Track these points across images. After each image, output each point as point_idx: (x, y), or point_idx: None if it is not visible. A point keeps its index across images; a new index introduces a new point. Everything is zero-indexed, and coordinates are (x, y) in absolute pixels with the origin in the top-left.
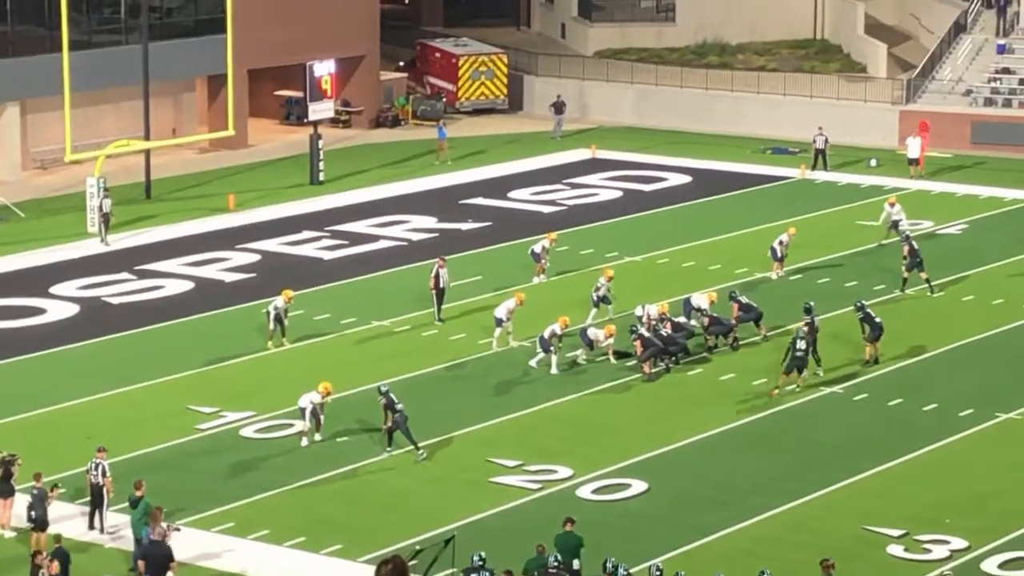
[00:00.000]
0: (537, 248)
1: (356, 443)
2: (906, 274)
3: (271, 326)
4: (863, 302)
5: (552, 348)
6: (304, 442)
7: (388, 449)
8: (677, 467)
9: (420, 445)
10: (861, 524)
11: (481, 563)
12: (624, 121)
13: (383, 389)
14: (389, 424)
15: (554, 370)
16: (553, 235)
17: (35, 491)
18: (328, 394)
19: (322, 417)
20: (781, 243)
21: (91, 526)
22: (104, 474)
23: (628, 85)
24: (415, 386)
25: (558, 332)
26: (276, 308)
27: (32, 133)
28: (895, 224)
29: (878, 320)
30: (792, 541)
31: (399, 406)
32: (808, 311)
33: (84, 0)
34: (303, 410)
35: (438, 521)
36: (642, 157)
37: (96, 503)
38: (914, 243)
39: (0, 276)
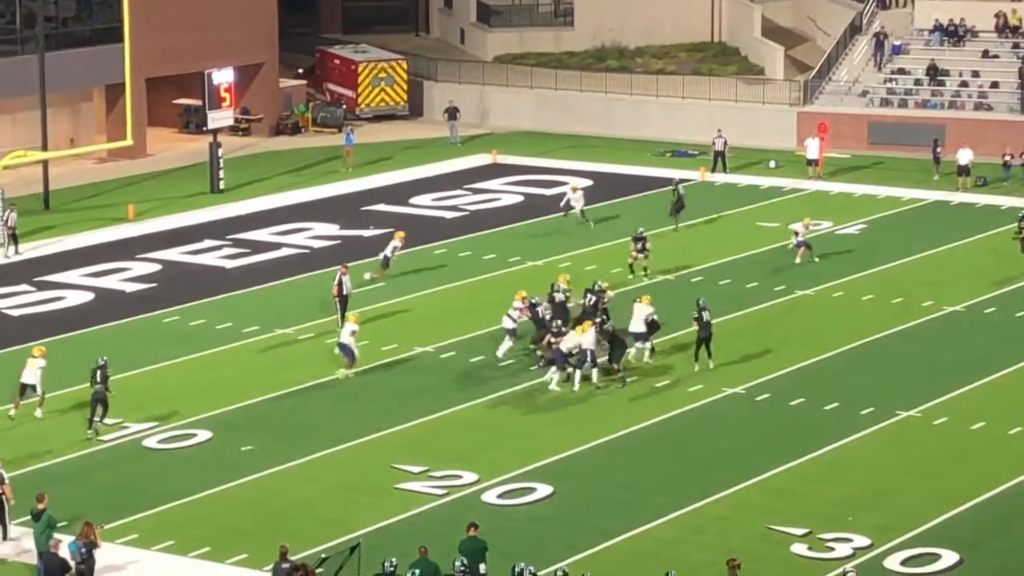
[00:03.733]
0: (388, 251)
1: (260, 452)
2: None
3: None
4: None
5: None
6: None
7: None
8: (582, 470)
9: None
10: (765, 523)
11: (392, 569)
12: (525, 126)
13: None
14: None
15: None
16: (401, 233)
17: None
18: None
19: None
20: (797, 234)
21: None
22: (2, 481)
23: (528, 90)
24: (321, 393)
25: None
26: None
27: None
28: (568, 205)
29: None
30: (697, 542)
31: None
32: (700, 307)
33: None
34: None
35: (344, 528)
36: (543, 161)
37: None
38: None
39: None
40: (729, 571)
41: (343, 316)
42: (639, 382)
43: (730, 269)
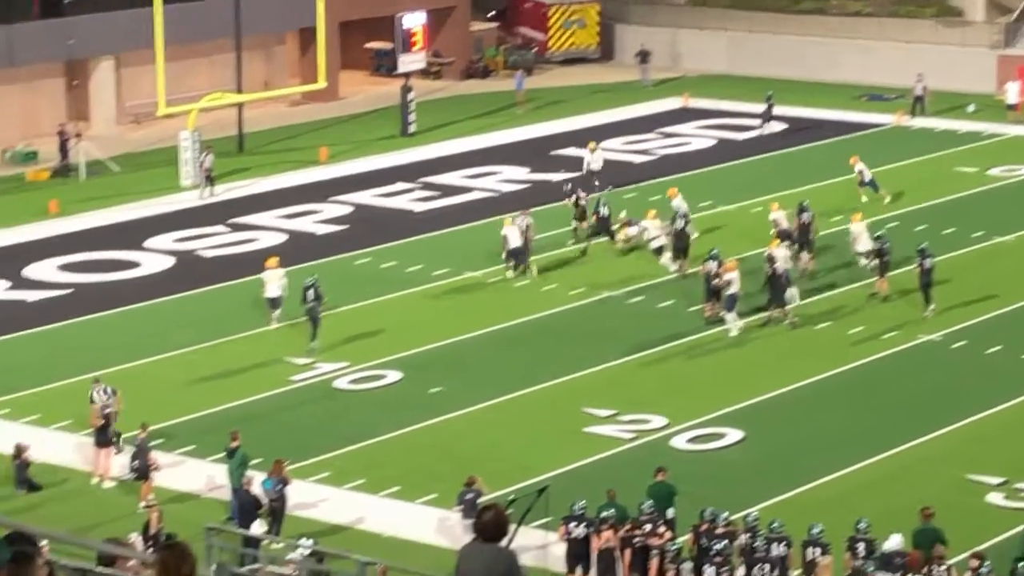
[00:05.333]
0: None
1: (450, 393)
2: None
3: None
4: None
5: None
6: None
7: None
8: (773, 416)
9: None
10: (960, 472)
11: (581, 512)
12: (717, 69)
13: None
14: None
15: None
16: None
17: (138, 441)
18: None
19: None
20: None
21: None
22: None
23: (721, 32)
24: (508, 337)
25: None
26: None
27: (126, 87)
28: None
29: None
30: (889, 490)
31: None
32: (921, 253)
33: None
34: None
35: (532, 471)
36: (735, 105)
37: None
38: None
39: (95, 230)
40: (922, 519)
41: (524, 263)
42: (832, 328)
43: (927, 215)
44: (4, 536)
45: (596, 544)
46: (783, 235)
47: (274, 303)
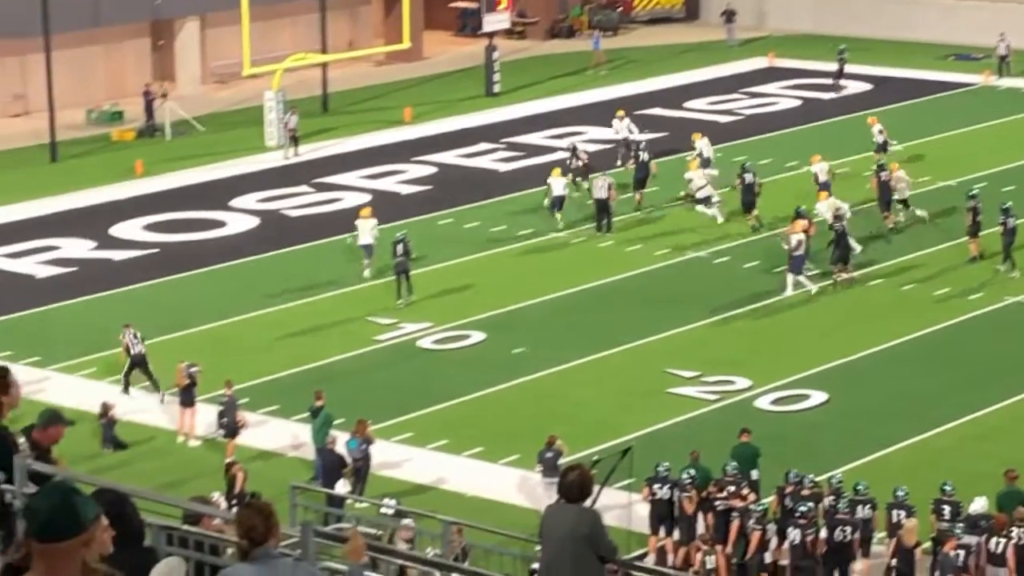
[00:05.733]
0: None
1: (533, 354)
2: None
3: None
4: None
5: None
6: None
7: None
8: (857, 377)
9: None
10: None
11: (665, 473)
12: (803, 28)
13: None
14: None
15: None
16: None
17: (225, 399)
18: None
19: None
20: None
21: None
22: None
23: None
24: (592, 297)
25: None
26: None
27: (211, 48)
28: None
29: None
30: (975, 451)
31: None
32: (1005, 212)
33: None
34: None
35: (615, 432)
36: (821, 65)
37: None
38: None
39: (181, 189)
40: (1007, 482)
41: (609, 223)
42: (917, 289)
43: (1015, 175)
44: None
45: (688, 507)
46: (824, 187)
47: (368, 250)
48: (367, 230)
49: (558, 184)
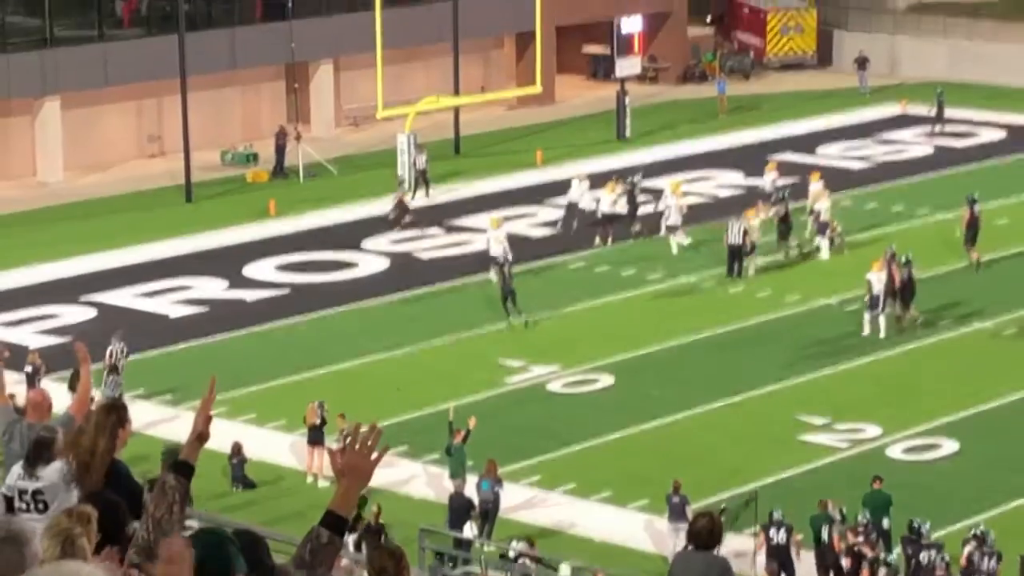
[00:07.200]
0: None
1: (662, 398)
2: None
3: None
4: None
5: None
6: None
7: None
8: (989, 426)
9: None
10: None
11: (780, 519)
12: (936, 76)
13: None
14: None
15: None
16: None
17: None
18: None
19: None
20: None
21: None
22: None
23: (941, 39)
24: (721, 343)
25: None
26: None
27: (344, 90)
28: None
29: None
30: None
31: None
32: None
33: None
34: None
35: (744, 478)
36: (954, 112)
37: None
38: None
39: (313, 231)
40: None
41: (740, 266)
42: None
43: None
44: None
45: (838, 546)
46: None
47: (495, 261)
48: (496, 241)
49: (605, 199)
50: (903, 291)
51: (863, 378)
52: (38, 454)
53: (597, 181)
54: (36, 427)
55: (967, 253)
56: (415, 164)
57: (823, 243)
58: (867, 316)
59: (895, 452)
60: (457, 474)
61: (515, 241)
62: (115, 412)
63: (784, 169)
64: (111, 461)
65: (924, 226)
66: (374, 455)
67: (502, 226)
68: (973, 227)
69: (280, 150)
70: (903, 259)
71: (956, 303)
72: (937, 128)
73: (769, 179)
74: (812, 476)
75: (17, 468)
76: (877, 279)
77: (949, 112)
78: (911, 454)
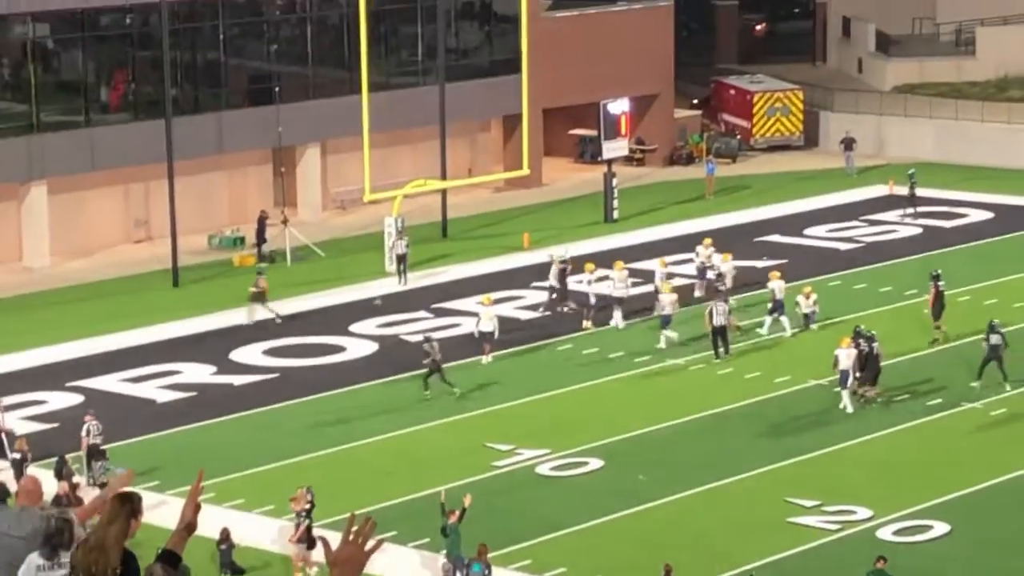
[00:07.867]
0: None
1: (651, 482)
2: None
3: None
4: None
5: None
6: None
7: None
8: (980, 508)
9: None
10: None
11: None
12: (923, 157)
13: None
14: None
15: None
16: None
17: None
18: None
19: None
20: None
21: None
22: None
23: (927, 120)
24: (710, 424)
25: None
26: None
27: (331, 174)
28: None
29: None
30: None
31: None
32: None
33: (383, 43)
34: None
35: (735, 562)
36: (941, 193)
37: None
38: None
39: (301, 315)
40: None
41: (725, 347)
42: None
43: None
44: None
45: None
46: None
47: (485, 337)
48: (487, 317)
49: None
50: (865, 366)
51: (852, 459)
52: (59, 540)
53: (581, 264)
54: (36, 512)
55: (934, 328)
56: (393, 248)
57: (784, 321)
58: (844, 393)
59: (885, 534)
60: (453, 553)
61: (503, 323)
62: (129, 503)
63: (769, 250)
64: (123, 552)
65: (910, 307)
66: (368, 546)
67: (493, 304)
68: (938, 303)
69: (260, 233)
70: (867, 334)
71: (943, 385)
72: (910, 210)
73: (704, 255)
74: (803, 558)
75: (36, 559)
76: (845, 355)
77: (936, 193)
78: (902, 535)
